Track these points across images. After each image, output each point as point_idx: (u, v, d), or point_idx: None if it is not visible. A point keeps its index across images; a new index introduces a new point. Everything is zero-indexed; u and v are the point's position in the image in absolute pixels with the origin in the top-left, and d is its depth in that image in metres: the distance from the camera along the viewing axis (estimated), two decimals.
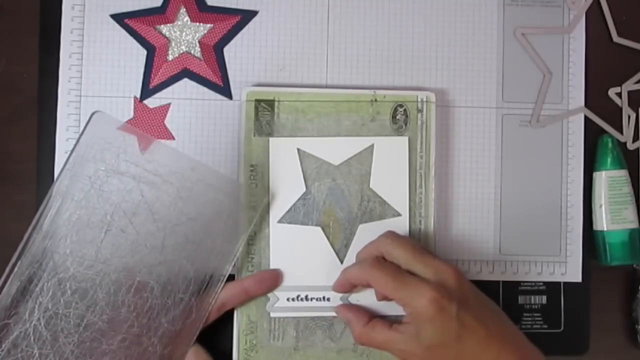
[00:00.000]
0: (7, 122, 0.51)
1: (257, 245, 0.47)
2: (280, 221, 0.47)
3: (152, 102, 0.51)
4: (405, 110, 0.48)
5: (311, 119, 0.48)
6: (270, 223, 0.47)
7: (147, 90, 0.50)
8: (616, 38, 0.53)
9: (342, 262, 0.47)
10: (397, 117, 0.48)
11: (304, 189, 0.48)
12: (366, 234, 0.47)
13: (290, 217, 0.47)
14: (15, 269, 0.40)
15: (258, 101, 0.48)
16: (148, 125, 0.50)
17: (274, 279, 0.47)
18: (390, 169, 0.48)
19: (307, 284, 0.47)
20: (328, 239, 0.48)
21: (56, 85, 0.50)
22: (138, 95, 0.51)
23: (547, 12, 0.52)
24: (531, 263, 0.51)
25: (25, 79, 0.51)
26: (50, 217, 0.41)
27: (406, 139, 0.48)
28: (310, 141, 0.48)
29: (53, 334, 0.40)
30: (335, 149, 0.48)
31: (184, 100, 0.51)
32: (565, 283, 0.51)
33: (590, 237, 0.52)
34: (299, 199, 0.48)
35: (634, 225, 0.51)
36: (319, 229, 0.48)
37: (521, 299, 0.51)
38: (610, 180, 0.51)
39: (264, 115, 0.48)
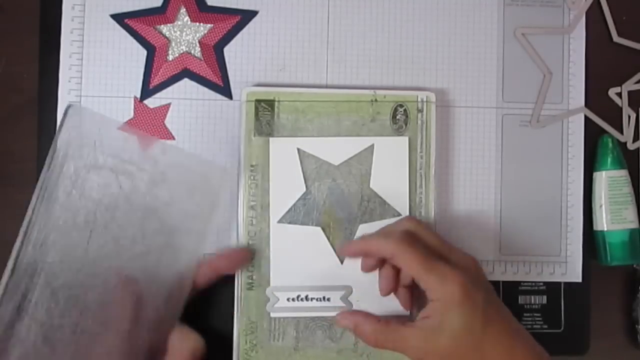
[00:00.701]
0: (7, 122, 0.51)
1: (257, 245, 0.47)
2: (280, 221, 0.47)
3: (152, 102, 0.51)
4: (405, 110, 0.48)
5: (311, 119, 0.48)
6: (270, 223, 0.47)
7: (147, 90, 0.50)
8: (616, 38, 0.53)
9: (342, 262, 0.47)
10: (397, 117, 0.48)
11: (304, 189, 0.48)
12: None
13: (290, 217, 0.47)
14: (8, 287, 0.39)
15: (258, 101, 0.48)
16: (148, 125, 0.50)
17: (243, 256, 0.46)
18: (390, 169, 0.48)
19: (307, 284, 0.47)
20: (328, 239, 0.47)
21: (56, 85, 0.50)
22: (138, 95, 0.51)
23: (547, 12, 0.52)
24: (531, 263, 0.51)
25: (25, 79, 0.51)
26: (38, 226, 0.41)
27: (406, 139, 0.48)
28: (310, 141, 0.48)
29: (51, 346, 0.39)
30: (335, 149, 0.48)
31: (184, 100, 0.51)
32: (565, 283, 0.51)
33: (591, 237, 0.52)
34: (299, 199, 0.47)
35: (634, 225, 0.51)
36: (319, 229, 0.47)
37: (521, 299, 0.51)
38: (610, 180, 0.51)
39: (264, 115, 0.48)
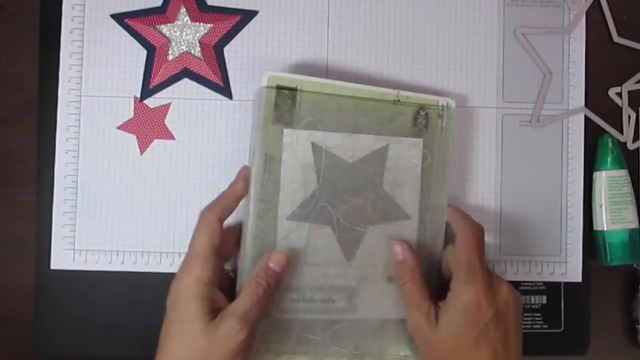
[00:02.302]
0: (7, 122, 0.51)
1: (264, 241, 0.44)
2: (289, 218, 0.45)
3: (152, 102, 0.51)
4: (427, 114, 0.47)
5: (332, 112, 0.45)
6: (278, 220, 0.45)
7: (147, 90, 0.50)
8: (616, 38, 0.53)
9: (349, 262, 0.46)
10: (419, 121, 0.47)
11: (316, 186, 0.45)
12: (376, 235, 0.46)
13: (299, 214, 0.45)
14: None
15: (279, 88, 0.44)
16: (148, 125, 0.50)
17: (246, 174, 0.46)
18: (403, 170, 0.47)
19: (312, 285, 0.46)
20: (337, 238, 0.46)
21: (56, 85, 0.50)
22: (138, 95, 0.51)
23: (547, 12, 0.52)
24: (531, 263, 0.51)
25: (25, 79, 0.51)
26: None
27: (420, 141, 0.47)
28: (325, 136, 0.45)
29: None
30: (351, 146, 0.46)
31: (184, 100, 0.51)
32: (565, 283, 0.51)
33: (590, 237, 0.52)
34: (310, 196, 0.45)
35: (634, 225, 0.51)
36: (329, 227, 0.45)
37: (521, 299, 0.51)
38: (610, 180, 0.51)
39: (285, 102, 0.44)
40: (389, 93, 0.47)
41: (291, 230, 0.45)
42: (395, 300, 0.46)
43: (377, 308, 0.46)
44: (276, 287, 0.43)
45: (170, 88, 0.50)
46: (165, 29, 0.51)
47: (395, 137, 0.47)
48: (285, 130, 0.45)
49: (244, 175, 0.45)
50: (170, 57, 0.50)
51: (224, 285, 0.44)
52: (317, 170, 0.45)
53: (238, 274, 0.45)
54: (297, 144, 0.45)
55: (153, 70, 0.50)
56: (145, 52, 0.50)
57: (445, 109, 0.48)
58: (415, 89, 0.50)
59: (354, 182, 0.46)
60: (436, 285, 0.46)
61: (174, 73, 0.50)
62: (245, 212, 0.45)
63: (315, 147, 0.45)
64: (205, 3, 0.51)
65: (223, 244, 0.44)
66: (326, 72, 0.51)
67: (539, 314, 0.51)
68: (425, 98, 0.48)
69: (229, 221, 0.45)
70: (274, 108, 0.44)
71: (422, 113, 0.47)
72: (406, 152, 0.47)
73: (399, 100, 0.47)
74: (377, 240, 0.46)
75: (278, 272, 0.43)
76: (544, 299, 0.51)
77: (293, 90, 0.45)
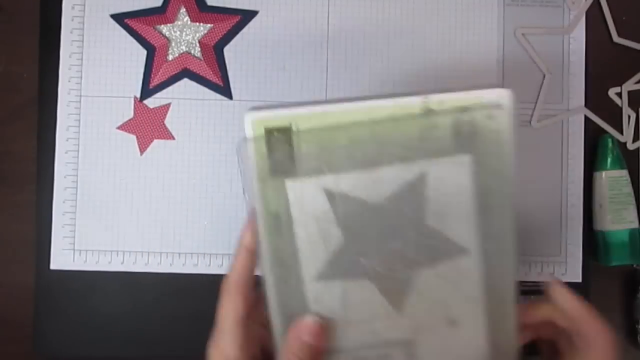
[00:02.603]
0: (7, 122, 0.51)
1: (292, 310, 0.37)
2: (316, 280, 0.37)
3: (152, 102, 0.51)
4: (473, 119, 0.34)
5: (341, 147, 0.35)
6: (304, 283, 0.37)
7: (147, 90, 0.51)
8: (616, 38, 0.53)
9: (400, 313, 0.37)
10: (462, 129, 0.35)
11: (340, 239, 0.36)
12: (427, 279, 0.37)
13: (327, 273, 0.37)
14: None
15: (269, 131, 0.35)
16: (148, 125, 0.50)
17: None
18: (450, 197, 0.36)
19: (361, 344, 0.38)
20: (379, 290, 0.37)
21: (56, 85, 0.50)
22: (138, 95, 0.51)
23: (547, 12, 0.52)
24: (531, 263, 0.51)
25: (25, 79, 0.51)
26: None
27: (467, 157, 0.35)
28: (337, 178, 0.36)
29: None
30: (371, 184, 0.36)
31: (184, 100, 0.51)
32: (565, 283, 0.51)
33: (590, 237, 0.52)
34: (335, 252, 0.37)
35: (634, 225, 0.51)
36: (365, 280, 0.37)
37: (521, 299, 0.51)
38: (610, 180, 0.51)
39: (280, 148, 0.35)
40: (414, 103, 0.35)
41: (322, 293, 0.37)
42: (465, 345, 0.38)
43: (444, 357, 0.38)
44: (315, 358, 0.37)
45: (170, 88, 0.51)
46: (165, 29, 0.51)
47: (432, 159, 0.35)
48: (288, 183, 0.35)
49: (251, 226, 0.37)
50: (170, 57, 0.50)
51: (264, 348, 0.40)
52: (336, 221, 0.36)
53: (274, 343, 0.38)
54: (303, 195, 0.36)
55: (153, 70, 0.50)
56: (145, 52, 0.50)
57: (497, 106, 0.34)
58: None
59: (386, 225, 0.36)
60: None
61: (173, 73, 0.50)
62: (263, 281, 0.37)
63: (328, 194, 0.36)
64: (205, 3, 0.51)
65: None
66: (326, 72, 0.51)
67: None
68: (466, 97, 0.35)
69: None
70: (268, 158, 0.35)
71: (466, 119, 0.35)
72: (450, 174, 0.36)
73: (430, 109, 0.35)
74: (430, 284, 0.37)
75: (312, 344, 0.37)
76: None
77: (287, 130, 0.35)
